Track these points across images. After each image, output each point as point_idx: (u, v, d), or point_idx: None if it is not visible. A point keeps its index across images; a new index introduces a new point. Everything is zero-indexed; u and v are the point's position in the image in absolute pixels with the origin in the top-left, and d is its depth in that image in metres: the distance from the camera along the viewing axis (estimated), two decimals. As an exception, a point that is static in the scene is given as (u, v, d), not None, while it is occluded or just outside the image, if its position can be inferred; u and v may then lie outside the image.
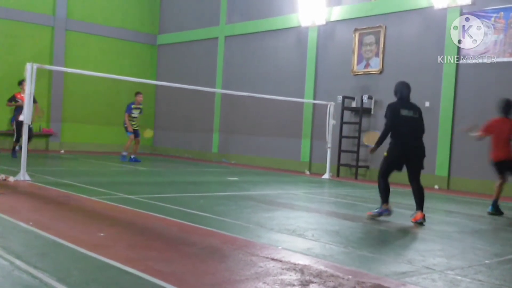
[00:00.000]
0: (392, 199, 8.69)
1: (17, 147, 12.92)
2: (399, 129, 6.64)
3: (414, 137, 6.73)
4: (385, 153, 6.87)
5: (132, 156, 14.31)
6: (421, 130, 6.85)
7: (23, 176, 8.44)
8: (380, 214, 6.76)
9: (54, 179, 8.97)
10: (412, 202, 6.75)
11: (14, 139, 13.06)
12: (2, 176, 8.39)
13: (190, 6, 18.84)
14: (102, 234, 4.79)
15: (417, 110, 6.83)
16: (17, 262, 3.68)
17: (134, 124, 14.21)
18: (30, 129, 12.96)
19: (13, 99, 13.33)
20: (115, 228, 5.22)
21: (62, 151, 16.63)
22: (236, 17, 16.99)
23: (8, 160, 12.02)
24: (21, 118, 12.49)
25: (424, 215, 6.58)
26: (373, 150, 6.99)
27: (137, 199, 7.23)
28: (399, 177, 11.65)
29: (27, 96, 8.59)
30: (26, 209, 6.08)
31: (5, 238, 4.46)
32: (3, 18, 16.47)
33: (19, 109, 12.45)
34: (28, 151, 8.73)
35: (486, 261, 4.64)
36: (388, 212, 6.78)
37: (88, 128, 17.89)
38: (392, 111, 6.68)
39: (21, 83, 12.95)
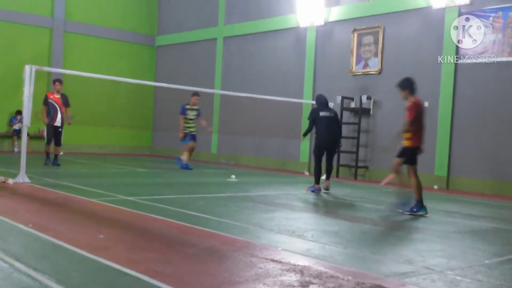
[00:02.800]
0: (389, 199, 8.70)
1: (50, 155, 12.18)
2: (319, 125, 9.35)
3: (329, 131, 9.36)
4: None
5: (184, 163, 13.05)
6: (337, 126, 9.64)
7: (23, 178, 8.42)
8: (313, 191, 9.20)
9: (54, 181, 8.96)
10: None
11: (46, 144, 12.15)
12: (2, 178, 8.39)
13: (188, 7, 18.85)
14: (101, 236, 4.78)
15: (333, 111, 9.61)
16: (17, 264, 3.67)
17: (190, 127, 12.83)
18: (59, 132, 12.16)
19: (46, 100, 12.03)
20: (115, 230, 5.22)
21: (61, 153, 16.59)
22: (234, 18, 17.00)
23: (7, 162, 12.01)
24: (57, 123, 11.96)
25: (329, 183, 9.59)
26: (302, 139, 10.43)
27: (136, 201, 7.23)
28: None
29: (26, 98, 8.55)
30: (25, 211, 6.07)
31: (5, 240, 4.45)
32: (1, 20, 16.48)
33: (52, 113, 11.97)
34: (27, 152, 8.70)
35: (486, 261, 4.63)
36: (319, 190, 9.28)
37: (87, 130, 17.87)
38: (314, 114, 9.45)
39: (54, 82, 12.25)
